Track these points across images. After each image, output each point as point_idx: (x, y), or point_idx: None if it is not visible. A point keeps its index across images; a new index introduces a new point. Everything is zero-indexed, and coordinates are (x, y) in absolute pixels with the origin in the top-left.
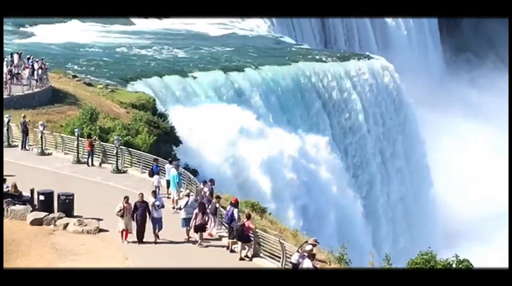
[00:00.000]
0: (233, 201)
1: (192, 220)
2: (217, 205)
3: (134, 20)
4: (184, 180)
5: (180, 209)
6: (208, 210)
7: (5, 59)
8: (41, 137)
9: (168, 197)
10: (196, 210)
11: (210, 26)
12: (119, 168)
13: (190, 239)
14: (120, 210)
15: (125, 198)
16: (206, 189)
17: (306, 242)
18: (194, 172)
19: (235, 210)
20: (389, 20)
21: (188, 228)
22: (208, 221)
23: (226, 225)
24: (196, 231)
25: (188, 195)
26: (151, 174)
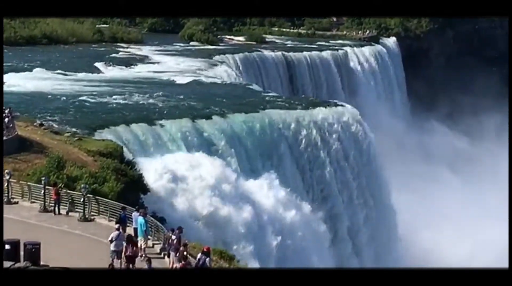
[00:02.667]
0: (205, 250)
1: (123, 252)
2: (185, 253)
3: (101, 68)
4: (151, 228)
5: (111, 241)
6: (176, 258)
7: None
8: (7, 185)
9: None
10: (125, 243)
11: (177, 74)
12: (86, 216)
13: (114, 267)
14: None
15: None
16: (173, 237)
17: None
18: (162, 220)
19: (207, 259)
20: (356, 68)
21: (117, 259)
22: (137, 252)
23: None
24: (127, 262)
25: (118, 229)
26: (119, 222)
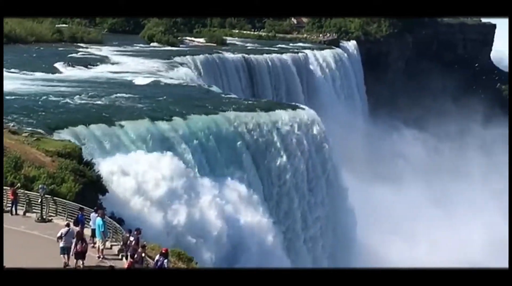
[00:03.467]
0: (163, 251)
1: (72, 248)
2: (143, 254)
3: (60, 68)
4: (109, 229)
5: (60, 238)
6: (134, 259)
7: None
8: None
9: (93, 246)
10: (75, 240)
11: (136, 75)
12: (44, 217)
13: (67, 266)
14: None
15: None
16: (132, 238)
17: None
18: (120, 221)
19: (166, 261)
20: (316, 71)
21: (67, 255)
22: (87, 248)
23: None
24: (77, 258)
25: (67, 225)
26: (76, 223)
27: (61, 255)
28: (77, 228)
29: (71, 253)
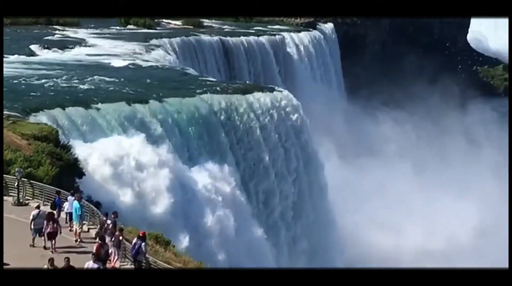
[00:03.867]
0: (140, 235)
1: (44, 228)
2: (120, 237)
3: (36, 51)
4: (87, 213)
5: (33, 220)
6: (111, 243)
7: None
8: None
9: (70, 230)
10: (46, 220)
11: (113, 58)
12: (21, 200)
13: (34, 246)
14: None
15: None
16: (109, 222)
17: None
18: (97, 205)
19: (143, 244)
20: (293, 53)
21: (37, 236)
22: (58, 229)
23: (131, 258)
24: (49, 238)
25: (38, 207)
26: (53, 207)
27: (32, 236)
28: (51, 210)
29: (42, 234)
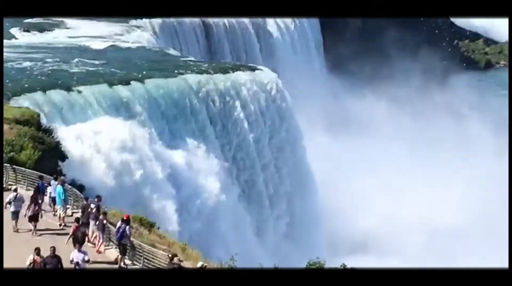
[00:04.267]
0: (124, 218)
1: (25, 210)
2: (105, 221)
3: (15, 34)
4: (70, 197)
5: (9, 203)
6: (96, 226)
7: None
8: None
9: (54, 214)
10: (28, 203)
11: (93, 39)
12: (4, 185)
13: (18, 231)
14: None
15: (36, 249)
16: (92, 206)
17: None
18: (81, 188)
19: (127, 227)
20: (273, 31)
21: (16, 219)
22: (39, 212)
23: (116, 242)
24: (30, 221)
25: (15, 190)
26: (38, 191)
27: (13, 220)
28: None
29: (24, 216)
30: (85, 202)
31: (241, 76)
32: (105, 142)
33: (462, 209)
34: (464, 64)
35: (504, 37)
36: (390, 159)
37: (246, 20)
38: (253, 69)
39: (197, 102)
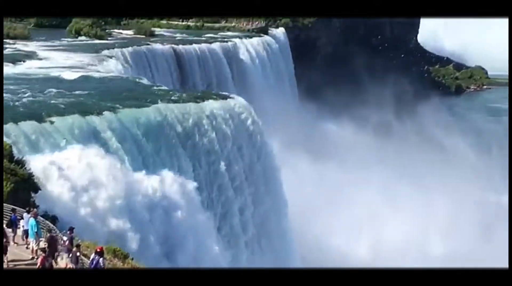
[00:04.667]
0: (98, 250)
1: None
2: (78, 254)
3: None
4: (43, 229)
5: None
6: (69, 259)
7: None
8: None
9: (27, 247)
10: None
11: (66, 70)
12: None
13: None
14: None
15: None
16: (65, 238)
17: None
18: (54, 220)
19: (101, 259)
20: (246, 59)
21: None
22: (7, 244)
23: None
24: None
25: None
26: (10, 225)
27: None
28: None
29: None
30: (49, 235)
31: (213, 105)
32: (77, 173)
33: (448, 235)
34: (435, 89)
35: (474, 61)
36: (371, 184)
37: (217, 48)
38: (225, 98)
39: (169, 131)
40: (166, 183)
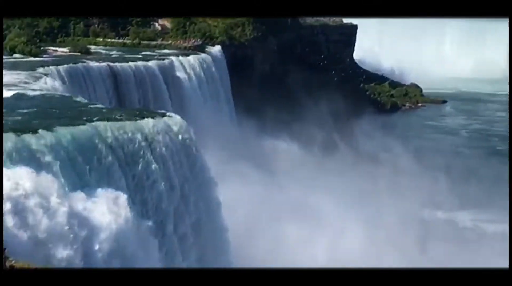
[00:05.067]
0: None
1: None
2: None
3: None
4: None
5: None
6: None
7: None
8: None
9: None
10: None
11: None
12: None
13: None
14: None
15: None
16: None
17: None
18: None
19: None
20: (183, 77)
21: None
22: None
23: None
24: None
25: None
26: None
27: None
28: None
29: None
30: None
31: (150, 123)
32: (12, 194)
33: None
34: (371, 107)
35: (409, 79)
36: (313, 202)
37: (154, 66)
38: (162, 115)
39: (106, 150)
40: (102, 202)
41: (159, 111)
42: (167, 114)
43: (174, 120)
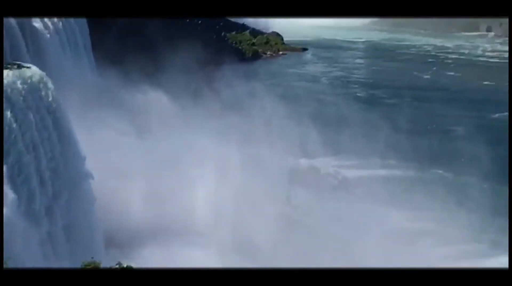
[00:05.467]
0: None
1: None
2: None
3: None
4: None
5: None
6: None
7: None
8: None
9: None
10: None
11: None
12: None
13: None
14: None
15: None
16: None
17: None
18: None
19: None
20: (41, 28)
21: None
22: None
23: None
24: None
25: None
26: None
27: None
28: None
29: None
30: None
31: (8, 74)
32: None
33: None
34: (232, 56)
35: (270, 28)
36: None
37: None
38: (19, 67)
39: None
40: None
41: (16, 62)
42: (25, 65)
43: (32, 71)
